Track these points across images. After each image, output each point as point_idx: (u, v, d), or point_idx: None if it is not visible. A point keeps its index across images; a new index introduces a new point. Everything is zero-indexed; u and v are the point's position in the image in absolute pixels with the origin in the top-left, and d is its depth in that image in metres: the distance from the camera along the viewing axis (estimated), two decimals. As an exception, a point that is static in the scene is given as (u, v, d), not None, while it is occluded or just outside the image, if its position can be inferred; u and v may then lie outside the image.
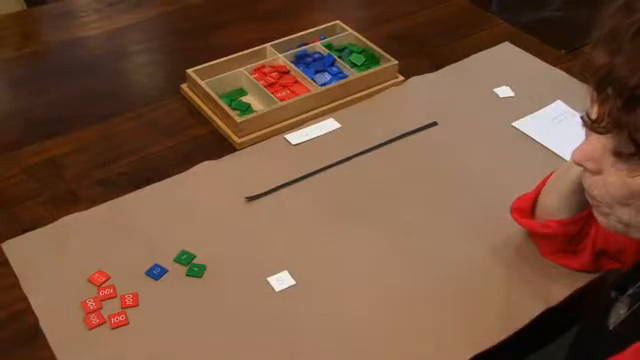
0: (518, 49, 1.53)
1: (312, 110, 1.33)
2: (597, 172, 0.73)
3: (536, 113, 1.34)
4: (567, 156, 1.11)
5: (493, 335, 0.95)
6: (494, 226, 1.09)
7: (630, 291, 0.81)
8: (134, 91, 1.45)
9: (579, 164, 0.75)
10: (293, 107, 1.31)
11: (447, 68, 1.47)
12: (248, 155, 1.25)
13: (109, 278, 1.02)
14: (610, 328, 0.80)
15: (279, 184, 1.18)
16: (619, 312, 0.81)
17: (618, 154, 0.68)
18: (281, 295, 1.00)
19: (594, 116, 0.68)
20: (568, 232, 0.99)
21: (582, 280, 1.02)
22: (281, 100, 1.31)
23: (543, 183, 1.02)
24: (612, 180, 0.71)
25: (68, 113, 1.35)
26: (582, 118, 0.70)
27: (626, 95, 0.64)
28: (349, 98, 1.37)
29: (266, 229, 1.10)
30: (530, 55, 1.51)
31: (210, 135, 1.30)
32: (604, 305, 0.84)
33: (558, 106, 1.35)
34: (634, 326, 0.77)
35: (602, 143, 0.70)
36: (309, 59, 1.44)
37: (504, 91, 1.41)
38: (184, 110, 1.36)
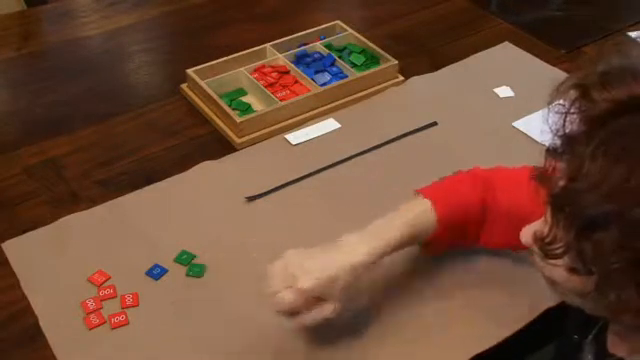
0: (518, 49, 1.53)
1: (312, 110, 1.33)
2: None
3: (536, 113, 1.34)
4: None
5: (492, 336, 0.94)
6: (494, 226, 1.09)
7: (591, 335, 0.80)
8: (134, 91, 1.45)
9: (528, 246, 0.70)
10: (293, 107, 1.31)
11: (447, 68, 1.47)
12: (248, 155, 1.25)
13: (109, 278, 1.02)
14: None
15: (279, 184, 1.18)
16: (587, 358, 0.79)
17: (571, 270, 0.63)
18: (281, 295, 1.00)
19: (546, 233, 0.63)
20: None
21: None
22: (281, 100, 1.31)
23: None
24: (563, 275, 0.65)
25: (68, 113, 1.35)
26: (534, 237, 0.65)
27: (582, 222, 0.58)
28: (349, 98, 1.37)
29: (266, 229, 1.10)
30: (530, 55, 1.51)
31: (210, 135, 1.30)
32: (570, 346, 0.82)
33: (558, 106, 1.35)
34: None
35: None
36: (309, 59, 1.44)
37: (504, 91, 1.41)
38: (184, 110, 1.36)
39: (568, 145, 0.61)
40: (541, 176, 0.63)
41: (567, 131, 0.61)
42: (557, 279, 0.67)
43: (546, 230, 0.63)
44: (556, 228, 0.61)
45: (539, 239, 0.64)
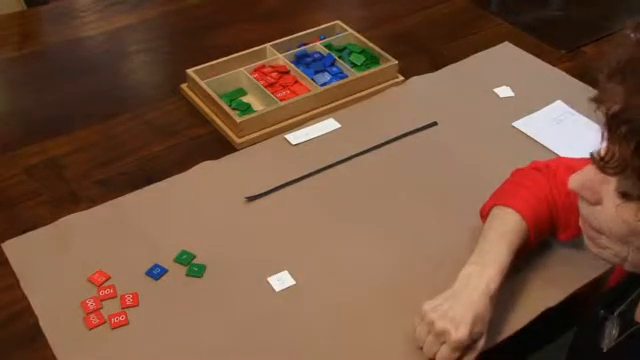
0: (518, 49, 1.53)
1: (312, 110, 1.33)
2: (596, 203, 0.69)
3: (536, 113, 1.34)
4: (567, 156, 1.11)
5: (493, 335, 0.94)
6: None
7: (617, 311, 0.80)
8: (134, 91, 1.45)
9: (576, 192, 0.71)
10: (293, 107, 1.31)
11: (447, 68, 1.47)
12: (248, 155, 1.25)
13: (109, 278, 1.02)
14: (604, 350, 0.79)
15: (279, 184, 1.18)
16: (611, 332, 0.79)
17: (624, 195, 0.65)
18: (281, 295, 1.00)
19: (603, 153, 0.64)
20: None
21: (581, 281, 1.02)
22: (281, 100, 1.31)
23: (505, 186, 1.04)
24: (612, 216, 0.67)
25: (68, 113, 1.35)
26: (591, 155, 0.66)
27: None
28: (349, 98, 1.37)
29: (266, 229, 1.10)
30: (530, 55, 1.51)
31: (210, 135, 1.30)
32: (594, 323, 0.83)
33: (558, 106, 1.35)
34: (628, 351, 0.76)
35: (604, 175, 0.66)
36: (309, 59, 1.44)
37: (504, 91, 1.41)
38: (184, 110, 1.36)
39: (627, 68, 0.63)
40: (598, 98, 0.64)
41: (626, 57, 0.63)
42: (605, 220, 0.68)
43: (603, 151, 0.64)
44: (613, 146, 0.63)
45: (597, 158, 0.65)
